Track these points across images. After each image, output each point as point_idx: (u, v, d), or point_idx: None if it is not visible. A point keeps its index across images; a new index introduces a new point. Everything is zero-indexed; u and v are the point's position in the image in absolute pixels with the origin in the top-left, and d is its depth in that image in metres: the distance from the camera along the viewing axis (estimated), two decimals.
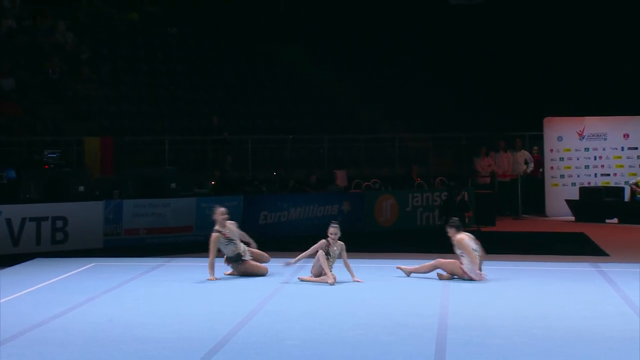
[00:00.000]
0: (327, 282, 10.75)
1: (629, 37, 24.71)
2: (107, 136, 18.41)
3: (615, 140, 21.03)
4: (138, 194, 15.85)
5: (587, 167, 21.05)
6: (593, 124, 21.18)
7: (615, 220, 19.49)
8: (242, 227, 16.61)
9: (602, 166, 21.03)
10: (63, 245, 14.77)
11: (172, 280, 11.20)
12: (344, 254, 11.09)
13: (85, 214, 15.09)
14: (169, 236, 15.69)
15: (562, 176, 21.03)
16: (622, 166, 21.00)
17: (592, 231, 17.53)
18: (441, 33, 26.27)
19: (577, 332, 8.30)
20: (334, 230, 11.02)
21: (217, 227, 11.28)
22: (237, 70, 23.39)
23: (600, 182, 20.84)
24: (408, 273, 11.39)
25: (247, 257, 11.45)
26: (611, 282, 10.88)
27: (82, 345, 7.84)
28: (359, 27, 26.27)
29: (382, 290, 10.51)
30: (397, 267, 11.50)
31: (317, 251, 10.96)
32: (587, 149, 21.06)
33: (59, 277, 11.38)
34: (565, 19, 25.69)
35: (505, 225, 18.95)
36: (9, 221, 14.40)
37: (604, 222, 19.47)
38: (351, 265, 11.29)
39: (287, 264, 11.26)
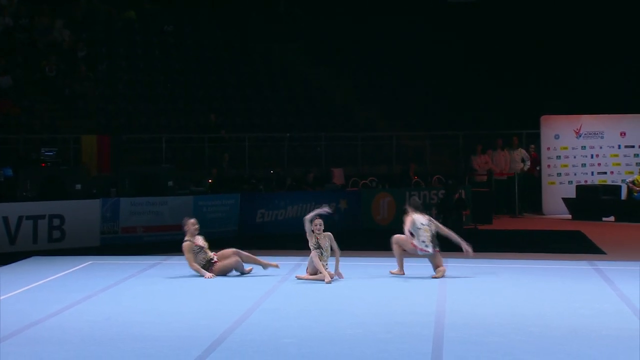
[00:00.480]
0: (323, 280, 10.74)
1: (626, 36, 24.73)
2: (104, 134, 18.40)
3: (612, 139, 21.05)
4: (135, 192, 15.85)
5: (584, 165, 21.07)
6: (590, 122, 21.19)
7: (612, 218, 19.50)
8: (239, 225, 16.71)
9: (599, 164, 21.05)
10: (60, 244, 14.76)
11: (169, 278, 11.19)
12: (334, 244, 11.05)
13: (82, 212, 15.09)
14: (166, 234, 15.68)
15: (559, 174, 21.04)
16: (619, 164, 21.02)
17: (589, 229, 17.54)
18: (438, 31, 26.27)
19: (574, 330, 8.31)
20: (319, 221, 11.00)
21: (187, 237, 11.26)
22: (235, 69, 23.38)
23: (597, 180, 20.85)
24: (401, 271, 11.37)
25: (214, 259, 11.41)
26: (608, 280, 10.89)
27: (79, 343, 7.84)
28: (356, 25, 26.27)
29: (379, 289, 10.51)
30: (390, 273, 11.44)
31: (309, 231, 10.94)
32: (584, 147, 21.07)
33: (56, 276, 11.37)
34: (562, 17, 25.70)
35: (502, 224, 18.96)
36: (5, 219, 14.39)
37: (601, 220, 19.49)
38: (348, 263, 11.27)
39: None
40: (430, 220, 11.52)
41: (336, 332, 8.22)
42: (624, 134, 21.07)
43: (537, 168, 21.21)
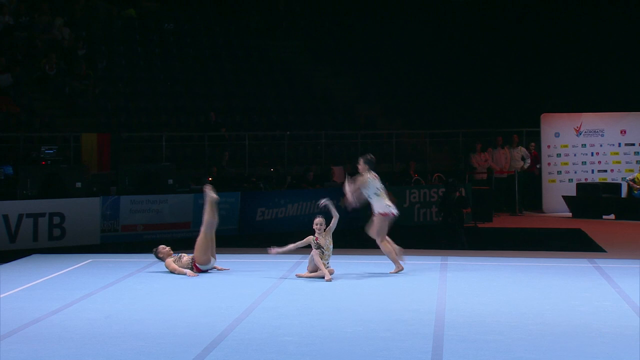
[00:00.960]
0: (323, 278, 10.74)
1: (626, 33, 24.72)
2: (104, 132, 18.39)
3: (612, 137, 21.05)
4: (135, 190, 15.85)
5: (584, 163, 21.07)
6: (590, 120, 21.19)
7: (612, 216, 19.51)
8: (239, 223, 16.71)
9: (599, 162, 21.05)
10: (60, 242, 14.77)
11: (169, 276, 11.19)
12: (333, 222, 10.98)
13: (82, 210, 15.10)
14: (167, 232, 15.69)
15: (559, 172, 21.04)
16: (619, 162, 21.02)
17: (589, 227, 17.55)
18: (438, 29, 26.26)
19: (573, 327, 8.31)
20: (319, 220, 10.98)
21: (165, 258, 11.34)
22: (235, 67, 23.36)
23: (597, 178, 20.85)
24: (399, 267, 11.34)
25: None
26: (608, 278, 10.90)
27: (80, 341, 7.84)
28: (357, 23, 26.26)
29: (380, 287, 10.51)
30: (390, 273, 11.40)
31: (305, 245, 10.93)
32: (584, 145, 21.07)
33: (56, 274, 11.37)
34: (562, 14, 25.69)
35: (502, 222, 18.97)
36: (6, 217, 14.40)
37: (601, 218, 19.49)
38: (349, 261, 11.25)
39: (273, 252, 11.16)
40: (381, 182, 11.36)
41: (337, 330, 8.23)
42: (624, 131, 21.07)
43: (538, 166, 21.21)
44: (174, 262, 11.33)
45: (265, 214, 17.07)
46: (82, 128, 18.71)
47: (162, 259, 11.43)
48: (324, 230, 10.95)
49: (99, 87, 20.55)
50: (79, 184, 15.48)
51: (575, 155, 21.07)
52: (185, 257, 11.36)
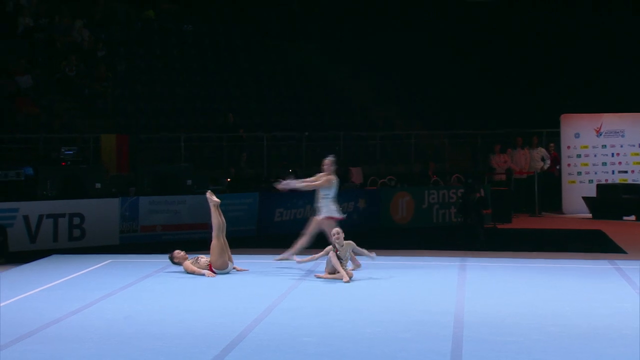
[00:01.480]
0: (342, 280, 10.72)
1: None
2: (123, 133, 18.46)
3: (633, 137, 20.89)
4: (154, 191, 15.91)
5: (604, 164, 20.93)
6: (610, 120, 21.05)
7: (632, 217, 19.36)
8: (257, 224, 16.72)
9: (620, 163, 20.91)
10: (80, 242, 14.83)
11: (188, 276, 11.22)
12: (358, 249, 11.03)
13: (101, 210, 15.16)
14: (185, 233, 15.73)
15: (579, 173, 20.92)
16: (639, 163, 20.87)
17: (609, 228, 17.43)
18: (458, 29, 26.19)
19: (593, 329, 8.25)
20: (336, 230, 10.95)
21: (182, 262, 11.41)
22: (252, 68, 23.40)
23: (617, 179, 20.70)
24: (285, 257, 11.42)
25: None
26: (628, 280, 10.81)
27: (99, 341, 7.87)
28: (374, 24, 26.22)
29: (398, 288, 10.48)
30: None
31: (325, 255, 10.93)
32: (604, 146, 20.93)
33: (76, 274, 11.42)
34: (582, 14, 25.54)
35: (521, 223, 18.88)
36: (26, 218, 14.48)
37: (622, 219, 19.36)
38: (367, 262, 11.23)
39: (298, 260, 11.23)
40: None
41: (355, 331, 8.21)
42: None
43: (557, 167, 21.10)
44: (192, 264, 11.35)
45: (284, 214, 17.08)
46: (101, 129, 18.80)
47: (178, 264, 11.46)
48: (343, 240, 10.90)
49: (118, 88, 20.64)
50: (98, 185, 15.55)
51: (595, 156, 20.93)
52: (203, 259, 11.39)
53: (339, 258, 10.86)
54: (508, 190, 19.63)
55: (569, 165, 20.98)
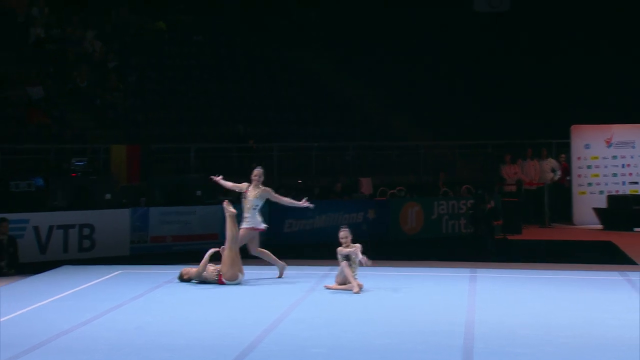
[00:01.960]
0: (352, 290, 10.71)
1: None
2: (133, 144, 18.51)
3: None
4: (164, 201, 15.93)
5: (614, 175, 20.85)
6: (621, 131, 20.99)
7: None
8: (267, 234, 16.76)
9: (630, 174, 20.83)
10: (90, 253, 14.86)
11: (198, 287, 11.23)
12: (359, 255, 10.97)
13: (112, 221, 15.18)
14: (195, 244, 15.73)
15: (589, 184, 20.84)
16: None
17: (620, 240, 17.35)
18: (467, 40, 26.19)
19: (605, 341, 8.22)
20: (343, 234, 10.95)
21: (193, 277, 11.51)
22: (263, 78, 23.45)
23: (628, 190, 20.62)
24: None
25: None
26: (639, 291, 10.77)
27: (109, 352, 7.88)
28: (384, 34, 26.25)
29: (408, 298, 10.46)
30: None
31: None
32: (615, 157, 20.86)
33: (86, 285, 11.44)
34: (593, 25, 25.52)
35: (531, 234, 18.82)
36: (36, 229, 14.51)
37: (632, 230, 19.27)
38: (377, 273, 11.22)
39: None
40: None
41: (365, 342, 8.20)
42: None
43: (568, 178, 21.04)
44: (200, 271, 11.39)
45: (294, 225, 17.08)
46: (112, 140, 18.85)
47: (188, 280, 11.48)
48: (350, 242, 10.90)
49: (129, 99, 20.72)
50: (108, 196, 15.59)
51: (605, 167, 20.86)
52: (212, 268, 11.41)
53: (347, 258, 10.78)
54: (518, 201, 19.58)
55: (579, 176, 20.91)
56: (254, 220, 11.75)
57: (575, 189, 20.88)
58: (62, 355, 7.80)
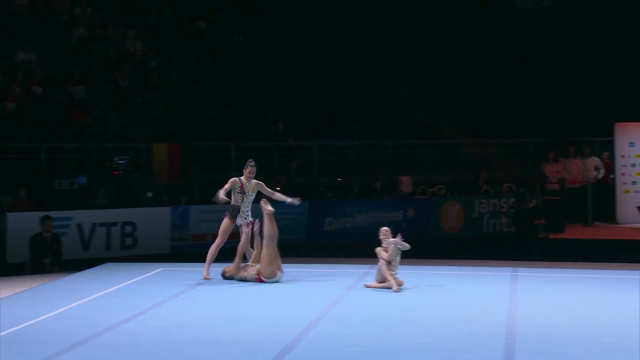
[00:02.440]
0: (391, 289, 10.65)
1: None
2: (174, 142, 18.65)
3: None
4: (205, 199, 16.02)
5: None
6: None
7: None
8: (307, 233, 16.77)
9: None
10: (132, 250, 15.01)
11: (238, 285, 11.27)
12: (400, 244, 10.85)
13: (153, 219, 15.33)
14: (235, 241, 15.69)
15: (633, 182, 20.54)
16: None
17: None
18: (508, 37, 25.95)
19: None
20: (384, 229, 10.85)
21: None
22: (300, 77, 23.48)
23: None
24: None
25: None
26: None
27: (151, 349, 7.94)
28: (421, 31, 26.11)
29: (448, 297, 10.40)
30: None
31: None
32: None
33: (128, 282, 11.55)
34: (635, 22, 25.14)
35: (574, 233, 18.61)
36: (79, 226, 14.71)
37: None
38: (417, 272, 11.16)
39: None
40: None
41: (404, 341, 8.16)
42: None
43: (611, 176, 20.76)
44: (240, 269, 11.44)
45: (333, 223, 17.08)
46: (153, 138, 19.01)
47: (230, 278, 11.52)
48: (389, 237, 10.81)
49: (170, 97, 20.87)
50: (150, 194, 15.73)
51: None
52: (252, 268, 11.45)
53: (388, 262, 10.78)
54: (561, 199, 19.37)
55: (623, 174, 20.61)
56: (249, 215, 11.65)
57: (619, 188, 20.59)
58: (104, 352, 7.87)
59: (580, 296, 10.46)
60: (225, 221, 11.58)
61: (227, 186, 11.51)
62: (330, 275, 11.98)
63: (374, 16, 26.48)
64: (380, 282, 10.91)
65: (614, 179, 20.71)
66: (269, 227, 11.36)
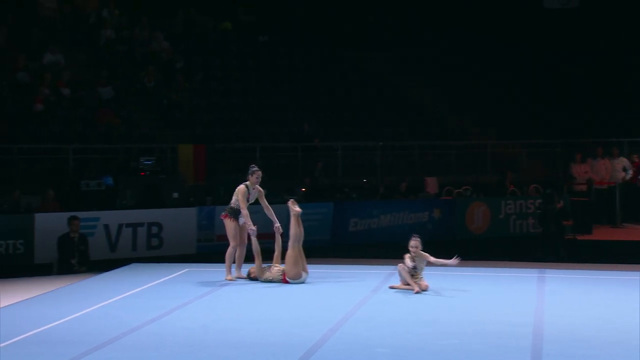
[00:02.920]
0: (413, 289, 10.56)
1: None
2: (200, 143, 18.72)
3: None
4: (230, 200, 16.01)
5: None
6: None
7: None
8: (332, 234, 16.75)
9: None
10: (158, 251, 15.08)
11: (263, 285, 11.28)
12: (432, 259, 10.81)
13: (179, 220, 15.38)
14: (260, 242, 15.76)
15: None
16: None
17: None
18: (535, 37, 25.78)
19: None
20: (414, 243, 10.75)
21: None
22: (327, 78, 23.47)
23: None
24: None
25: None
26: None
27: (177, 350, 7.96)
28: (448, 33, 26.02)
29: (474, 299, 10.33)
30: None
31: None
32: None
33: (154, 283, 11.59)
34: None
35: (602, 234, 18.45)
36: (106, 227, 14.80)
37: None
38: (442, 273, 11.10)
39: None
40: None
41: (430, 342, 8.12)
42: None
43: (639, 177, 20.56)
44: (265, 270, 11.45)
45: (358, 224, 17.06)
46: (178, 139, 19.10)
47: (255, 279, 11.53)
48: (420, 251, 10.76)
49: (195, 98, 20.95)
50: (176, 195, 15.80)
51: None
52: (276, 268, 11.45)
53: (414, 268, 10.73)
54: (588, 200, 19.22)
55: None
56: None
57: None
58: (130, 352, 7.91)
59: (608, 298, 10.36)
60: (229, 223, 11.61)
61: (242, 199, 11.45)
62: (355, 276, 11.95)
63: (401, 17, 26.41)
64: (405, 284, 10.84)
65: None
66: (295, 228, 11.36)
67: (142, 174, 16.17)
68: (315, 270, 11.91)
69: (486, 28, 25.88)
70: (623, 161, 20.56)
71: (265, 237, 15.85)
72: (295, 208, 11.44)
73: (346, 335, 8.42)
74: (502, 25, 25.85)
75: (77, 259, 13.99)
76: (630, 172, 20.46)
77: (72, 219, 14.12)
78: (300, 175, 19.09)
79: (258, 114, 21.34)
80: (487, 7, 26.11)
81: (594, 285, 11.29)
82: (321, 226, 16.55)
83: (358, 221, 17.06)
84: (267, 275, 11.43)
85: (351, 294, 10.58)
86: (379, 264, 13.05)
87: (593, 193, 19.93)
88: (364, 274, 12.06)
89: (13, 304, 10.29)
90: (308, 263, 11.53)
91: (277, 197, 16.51)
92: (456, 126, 23.38)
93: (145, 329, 8.83)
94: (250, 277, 11.61)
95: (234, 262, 11.69)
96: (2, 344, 8.07)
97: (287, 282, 11.28)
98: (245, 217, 11.43)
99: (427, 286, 10.76)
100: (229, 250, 11.58)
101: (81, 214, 14.46)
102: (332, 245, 16.53)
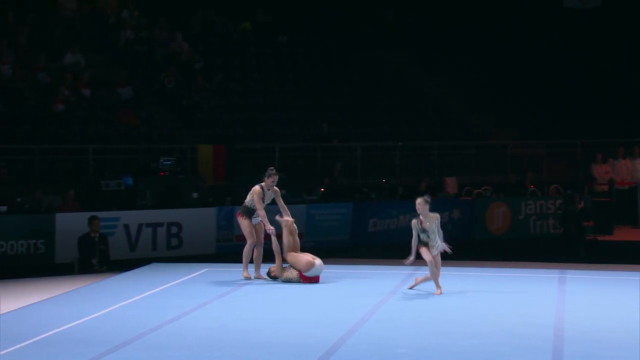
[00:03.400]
0: (431, 279, 10.44)
1: None
2: (219, 144, 18.75)
3: None
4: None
5: None
6: None
7: None
8: (351, 234, 16.74)
9: None
10: (178, 251, 15.12)
11: (282, 285, 11.28)
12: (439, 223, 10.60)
13: (198, 220, 15.42)
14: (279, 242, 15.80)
15: None
16: None
17: None
18: (556, 37, 25.64)
19: None
20: (420, 200, 10.39)
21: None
22: (346, 78, 23.44)
23: None
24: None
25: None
26: None
27: (196, 349, 7.97)
28: (468, 32, 25.92)
29: (496, 300, 10.29)
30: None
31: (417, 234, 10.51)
32: None
33: (174, 282, 11.62)
34: None
35: (623, 234, 18.33)
36: (126, 227, 14.85)
37: None
38: (462, 273, 11.05)
39: (408, 263, 10.71)
40: None
41: (451, 343, 8.09)
42: None
43: None
44: (284, 270, 11.45)
45: (377, 224, 17.03)
46: (198, 139, 19.14)
47: (276, 277, 11.54)
48: (428, 212, 10.47)
49: (215, 99, 20.99)
50: (195, 195, 15.84)
51: None
52: (293, 269, 11.45)
53: (424, 230, 10.38)
54: (610, 201, 19.09)
55: None
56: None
57: None
58: (150, 352, 7.93)
59: (629, 299, 10.27)
60: (242, 221, 11.62)
61: (257, 200, 11.45)
62: (374, 276, 11.94)
63: (421, 17, 26.34)
64: (419, 280, 10.69)
65: None
66: (288, 239, 11.36)
67: (162, 174, 16.22)
68: (334, 271, 11.91)
69: (508, 28, 25.75)
70: None
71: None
72: (285, 219, 11.45)
73: (365, 336, 8.40)
74: (523, 25, 25.70)
75: (98, 258, 14.05)
76: None
77: (92, 219, 14.18)
78: (319, 176, 19.07)
79: (277, 114, 21.35)
80: (510, 7, 25.98)
81: (615, 286, 11.21)
82: (340, 226, 16.53)
83: (377, 221, 17.03)
84: (287, 274, 11.44)
85: (370, 295, 10.56)
86: (398, 264, 13.00)
87: (614, 193, 19.79)
88: (383, 274, 12.04)
89: (34, 303, 10.36)
90: (327, 263, 11.55)
91: (296, 197, 16.52)
92: (476, 126, 23.28)
93: (165, 328, 8.85)
94: (271, 276, 11.62)
95: (251, 262, 11.69)
96: (23, 343, 8.11)
97: (306, 279, 11.26)
98: (262, 218, 11.45)
99: (440, 291, 10.52)
100: (246, 247, 11.60)
101: (101, 214, 14.53)
102: (351, 245, 16.50)
